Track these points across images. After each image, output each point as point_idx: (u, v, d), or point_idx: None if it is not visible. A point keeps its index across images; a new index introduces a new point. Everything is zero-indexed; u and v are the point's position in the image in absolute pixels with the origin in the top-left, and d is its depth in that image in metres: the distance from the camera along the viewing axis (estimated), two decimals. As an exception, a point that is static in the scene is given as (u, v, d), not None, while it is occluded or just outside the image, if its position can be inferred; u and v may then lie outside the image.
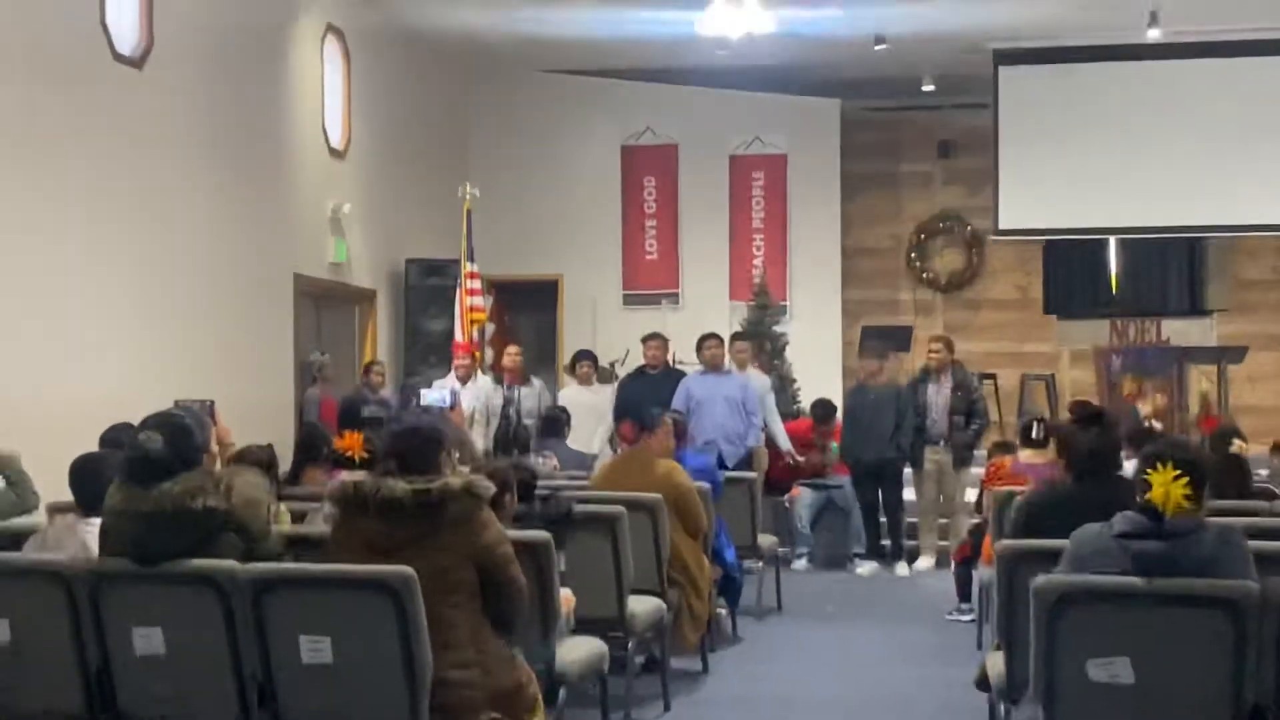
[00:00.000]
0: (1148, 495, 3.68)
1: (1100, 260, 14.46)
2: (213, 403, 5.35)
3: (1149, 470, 3.69)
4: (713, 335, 10.23)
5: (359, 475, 4.53)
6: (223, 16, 9.36)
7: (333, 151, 11.19)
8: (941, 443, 10.16)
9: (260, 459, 5.34)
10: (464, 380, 10.29)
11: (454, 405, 9.56)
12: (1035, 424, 7.46)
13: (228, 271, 9.35)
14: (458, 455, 4.73)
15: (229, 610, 3.91)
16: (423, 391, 9.68)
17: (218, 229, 9.24)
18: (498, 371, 11.14)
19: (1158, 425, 9.81)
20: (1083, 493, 4.47)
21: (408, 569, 3.84)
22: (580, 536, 5.52)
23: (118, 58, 8.12)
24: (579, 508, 5.67)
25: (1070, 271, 14.65)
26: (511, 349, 11.04)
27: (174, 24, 8.63)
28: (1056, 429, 5.76)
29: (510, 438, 9.78)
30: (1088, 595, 3.70)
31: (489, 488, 4.16)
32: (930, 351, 10.36)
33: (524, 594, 4.24)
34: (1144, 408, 11.03)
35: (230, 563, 3.91)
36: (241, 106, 9.63)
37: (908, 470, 10.31)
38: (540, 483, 6.53)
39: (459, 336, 11.07)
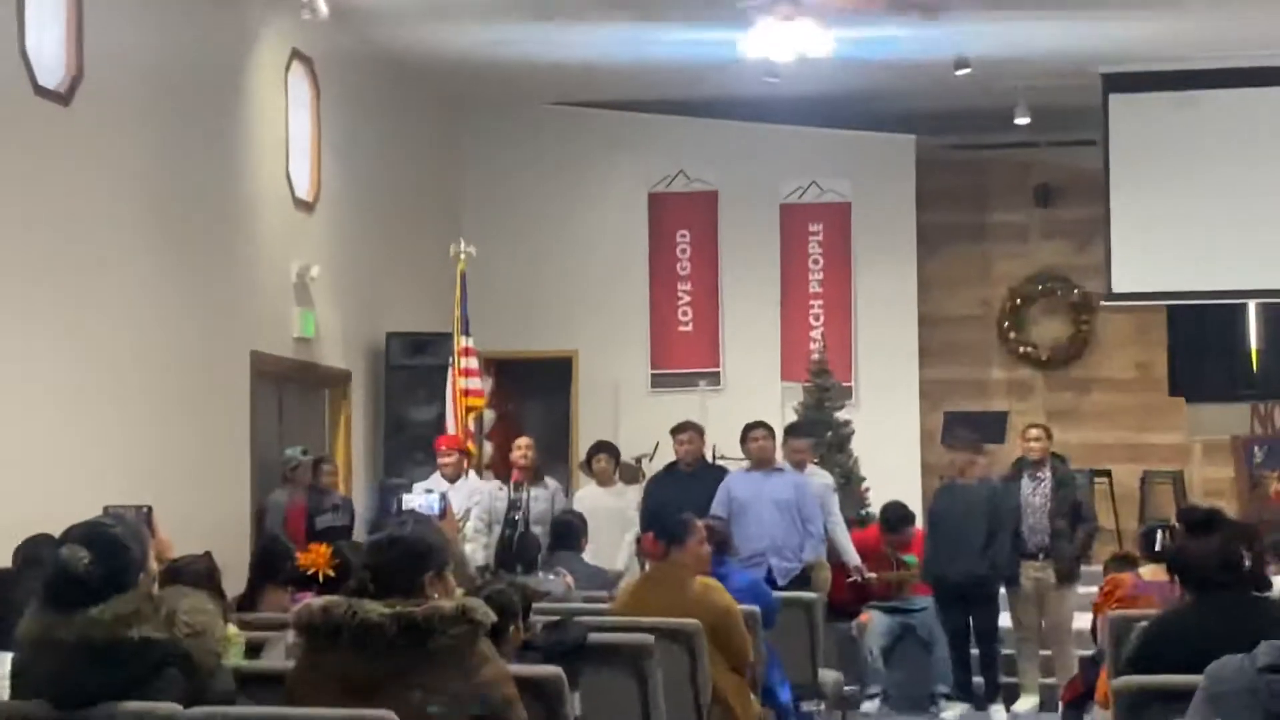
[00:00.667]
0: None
1: (1238, 330, 14.44)
2: (150, 509, 5.37)
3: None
4: (760, 424, 10.24)
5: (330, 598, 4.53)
6: (166, 42, 9.51)
7: (299, 203, 11.31)
8: (1041, 555, 10.11)
9: (198, 573, 5.35)
10: (451, 479, 10.33)
11: (444, 512, 9.56)
12: (1160, 533, 7.42)
13: (171, 349, 9.42)
14: (452, 573, 4.73)
15: (169, 764, 3.90)
16: (405, 496, 9.70)
17: (159, 297, 9.32)
18: (500, 469, 11.17)
19: (1313, 533, 9.73)
20: (1205, 616, 4.43)
21: (387, 713, 3.83)
22: (599, 672, 5.50)
23: (40, 91, 8.25)
24: (596, 637, 5.66)
25: (1202, 344, 14.62)
26: (522, 441, 11.05)
27: (108, 51, 8.77)
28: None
29: (514, 550, 9.78)
30: (1226, 744, 3.67)
31: (488, 614, 4.17)
32: (1029, 440, 10.35)
33: (531, 745, 4.23)
34: (1295, 511, 10.96)
35: (172, 706, 3.91)
36: (188, 149, 9.75)
37: (1004, 590, 10.26)
38: (550, 605, 6.53)
39: (451, 427, 11.12)
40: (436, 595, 4.22)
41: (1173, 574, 4.79)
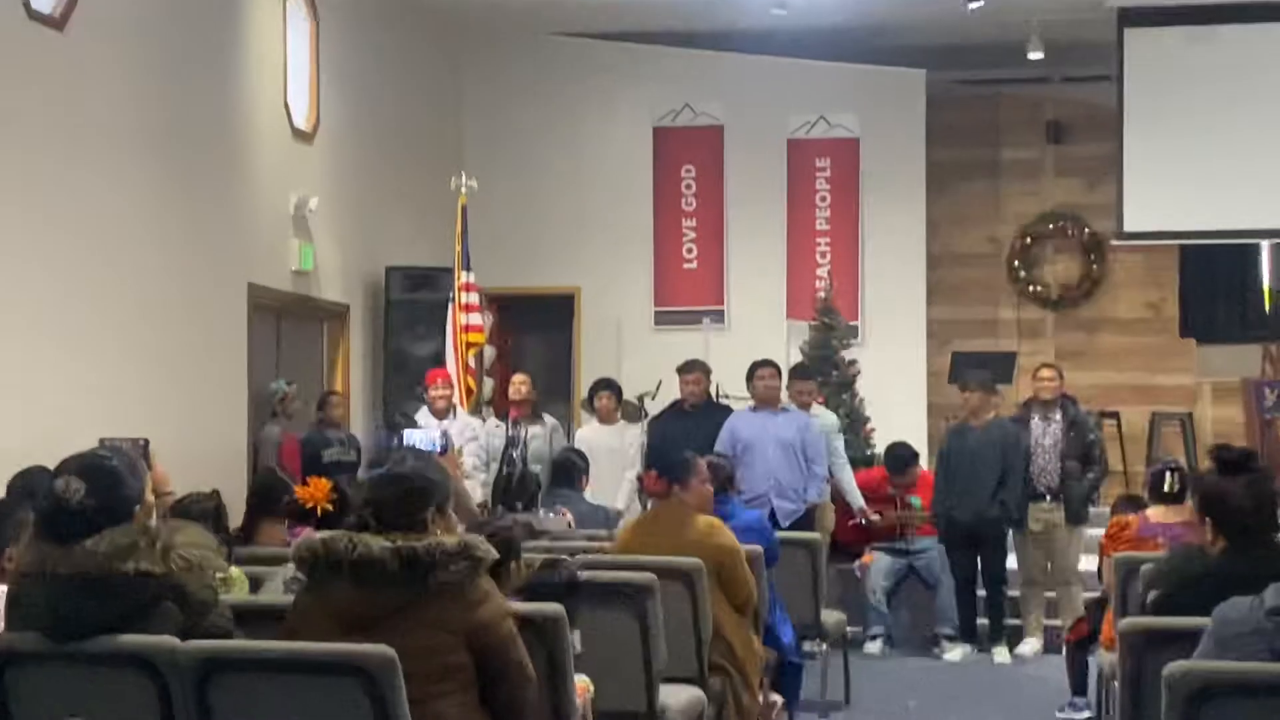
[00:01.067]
0: (1310, 562, 3.67)
1: (1251, 271, 14.43)
2: (147, 442, 5.38)
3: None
4: (768, 363, 10.23)
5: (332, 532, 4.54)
6: (163, -33, 9.46)
7: (297, 134, 11.27)
8: (1049, 496, 10.15)
9: (205, 511, 5.37)
10: (440, 415, 10.35)
11: (446, 449, 9.59)
12: (1169, 474, 7.44)
13: (167, 281, 9.41)
14: (455, 510, 4.75)
15: (166, 697, 3.92)
16: (406, 432, 9.72)
17: (155, 229, 9.30)
18: (501, 406, 11.16)
19: (1323, 477, 9.75)
20: (1242, 562, 4.35)
21: (387, 648, 3.85)
22: (600, 610, 5.52)
23: (33, 15, 8.20)
24: (597, 575, 5.68)
25: (1214, 285, 14.62)
26: (518, 378, 11.08)
27: (103, -24, 8.72)
28: (1196, 480, 5.70)
29: (513, 488, 9.81)
30: (1234, 686, 3.69)
31: (490, 551, 4.18)
32: (1042, 380, 10.35)
33: (532, 682, 4.25)
34: (1305, 454, 10.99)
35: (169, 639, 3.92)
36: (184, 76, 9.71)
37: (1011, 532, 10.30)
38: (550, 543, 6.55)
39: (451, 363, 11.12)
40: (439, 531, 4.23)
41: (1205, 515, 4.66)
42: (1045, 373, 10.47)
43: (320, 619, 4.08)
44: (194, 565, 4.06)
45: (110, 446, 4.68)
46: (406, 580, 4.02)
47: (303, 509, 5.83)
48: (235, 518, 6.38)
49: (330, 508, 5.75)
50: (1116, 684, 4.65)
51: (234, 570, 5.10)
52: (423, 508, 4.24)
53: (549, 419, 11.07)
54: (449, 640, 4.04)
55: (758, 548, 6.98)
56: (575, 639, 4.91)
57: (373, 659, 3.83)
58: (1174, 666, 3.76)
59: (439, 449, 9.26)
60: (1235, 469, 4.64)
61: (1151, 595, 4.80)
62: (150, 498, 4.49)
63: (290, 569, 4.76)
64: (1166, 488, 7.39)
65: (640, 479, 10.36)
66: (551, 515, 8.43)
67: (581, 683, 4.96)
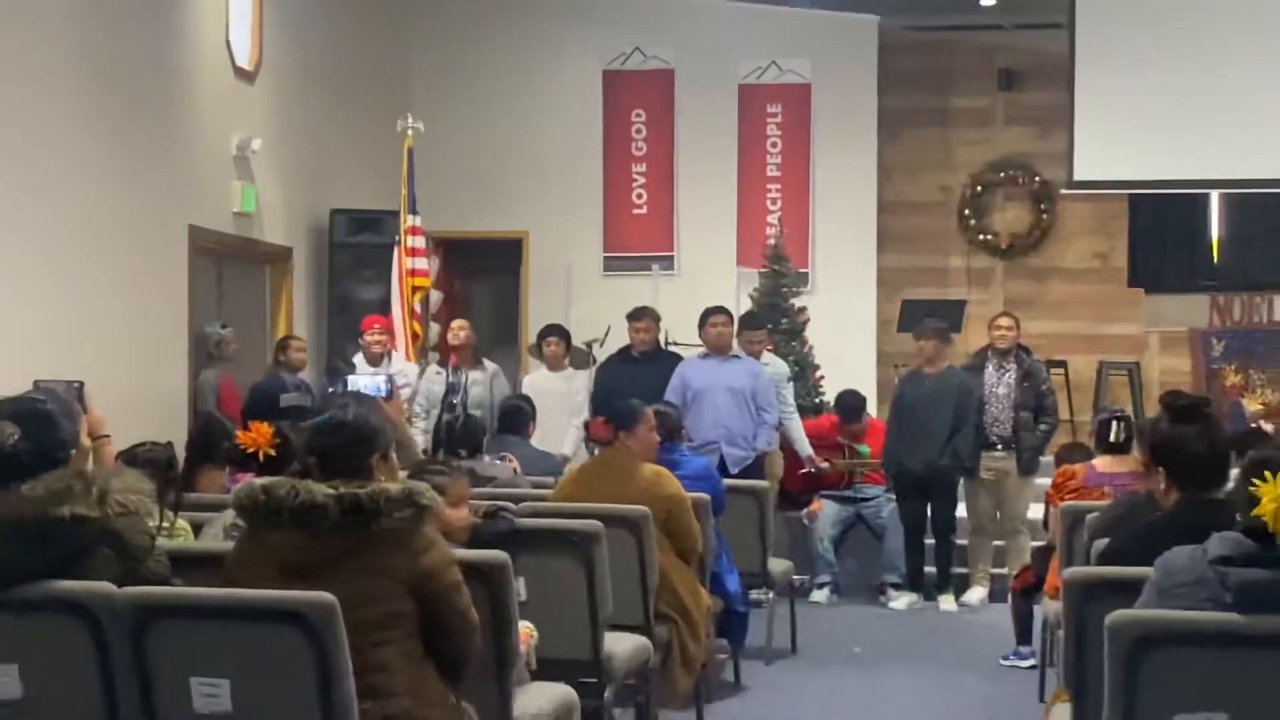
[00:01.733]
0: (1254, 512, 3.68)
1: (1200, 221, 14.50)
2: (82, 384, 5.35)
3: (1256, 481, 3.68)
4: (720, 310, 10.24)
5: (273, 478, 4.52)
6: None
7: (239, 73, 11.16)
8: (1001, 446, 10.20)
9: (156, 461, 5.34)
10: (375, 362, 10.31)
11: (391, 394, 9.57)
12: (1115, 423, 7.48)
13: (106, 222, 9.32)
14: (398, 455, 4.73)
15: (103, 644, 3.90)
16: (350, 377, 9.70)
17: (93, 168, 9.21)
18: (444, 351, 11.11)
19: (1268, 426, 9.86)
20: (1193, 515, 4.35)
21: (328, 595, 3.83)
22: (545, 557, 5.52)
23: (-31, -49, 8.10)
24: (542, 522, 5.68)
25: (1163, 235, 14.68)
26: (457, 323, 11.05)
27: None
28: (1148, 429, 5.71)
29: (453, 435, 9.79)
30: (1176, 634, 3.71)
31: (434, 498, 4.17)
32: (1000, 329, 10.39)
33: (476, 631, 4.25)
34: (1250, 404, 11.09)
35: (105, 586, 3.90)
36: (124, 14, 9.60)
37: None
38: (495, 490, 6.55)
39: (396, 307, 11.07)
40: (382, 478, 4.22)
41: (1158, 464, 4.61)
42: (1003, 321, 10.49)
43: (261, 566, 4.06)
44: (130, 511, 4.03)
45: (45, 389, 4.64)
46: (349, 527, 4.00)
47: (244, 454, 5.80)
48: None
49: (273, 453, 5.73)
50: (1061, 632, 4.68)
51: (180, 523, 5.08)
52: (366, 454, 4.22)
53: (490, 364, 11.05)
54: (392, 588, 4.03)
55: (704, 496, 7.01)
56: (520, 586, 4.91)
57: (313, 606, 3.82)
58: (1116, 615, 3.78)
59: (384, 393, 9.24)
60: (1187, 417, 4.60)
61: (1100, 544, 4.82)
62: (86, 441, 4.45)
63: (230, 515, 4.74)
64: (1113, 437, 7.43)
65: (587, 425, 10.38)
66: (498, 462, 8.43)
67: (525, 629, 4.97)
